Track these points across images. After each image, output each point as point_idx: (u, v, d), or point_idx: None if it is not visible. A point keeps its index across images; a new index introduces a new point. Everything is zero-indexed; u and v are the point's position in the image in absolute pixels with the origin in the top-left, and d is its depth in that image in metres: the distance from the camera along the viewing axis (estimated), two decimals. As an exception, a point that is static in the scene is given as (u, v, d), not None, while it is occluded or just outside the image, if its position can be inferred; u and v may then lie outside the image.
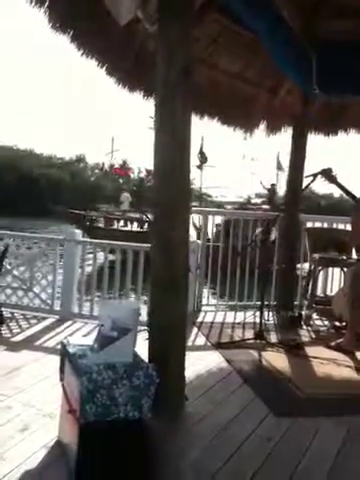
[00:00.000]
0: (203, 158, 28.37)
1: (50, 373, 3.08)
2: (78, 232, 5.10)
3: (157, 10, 3.04)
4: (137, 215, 21.18)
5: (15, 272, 5.05)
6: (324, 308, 4.98)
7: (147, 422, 2.24)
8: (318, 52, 4.71)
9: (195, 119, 5.19)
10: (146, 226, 18.62)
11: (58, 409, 2.54)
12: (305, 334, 4.60)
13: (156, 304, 2.99)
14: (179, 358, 2.93)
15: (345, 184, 4.48)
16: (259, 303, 4.50)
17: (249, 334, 4.36)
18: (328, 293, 5.54)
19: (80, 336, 4.12)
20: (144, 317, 3.62)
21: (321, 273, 5.41)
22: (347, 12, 4.58)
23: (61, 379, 2.52)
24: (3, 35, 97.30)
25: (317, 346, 4.18)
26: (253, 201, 21.99)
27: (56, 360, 2.60)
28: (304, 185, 4.95)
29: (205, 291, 5.61)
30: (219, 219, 7.34)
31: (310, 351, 4.03)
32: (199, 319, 4.99)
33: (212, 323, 4.86)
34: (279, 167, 26.07)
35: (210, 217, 5.89)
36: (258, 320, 4.34)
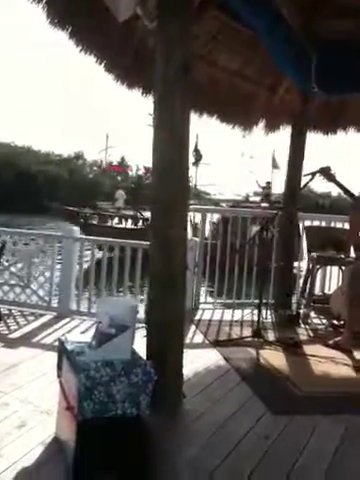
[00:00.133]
0: (198, 156, 28.48)
1: (47, 370, 3.08)
2: (76, 229, 5.08)
3: (156, 7, 3.04)
4: (131, 212, 21.23)
5: (12, 269, 5.04)
6: (322, 306, 4.98)
7: (145, 419, 2.24)
8: (317, 51, 4.70)
9: (194, 117, 5.20)
10: (140, 223, 18.69)
11: (55, 406, 2.53)
12: (303, 332, 4.60)
13: (154, 301, 2.99)
14: (177, 355, 2.93)
15: (343, 182, 4.49)
16: (257, 301, 4.50)
17: (247, 332, 4.36)
18: (326, 291, 5.55)
19: (78, 333, 4.11)
20: (142, 314, 3.64)
21: (319, 271, 5.42)
22: (347, 11, 4.57)
23: (59, 376, 2.52)
24: (1, 31, 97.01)
25: (315, 344, 4.18)
26: (251, 199, 21.98)
27: (53, 357, 2.60)
28: (303, 184, 4.95)
29: (203, 289, 5.60)
30: (215, 218, 7.32)
31: (308, 349, 4.03)
32: (197, 317, 4.98)
33: (210, 321, 4.85)
34: (274, 165, 26.14)
35: (207, 215, 5.87)
36: (256, 318, 4.34)
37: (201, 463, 2.33)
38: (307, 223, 5.69)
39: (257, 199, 20.92)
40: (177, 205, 2.91)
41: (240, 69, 5.39)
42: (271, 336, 4.34)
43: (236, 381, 3.34)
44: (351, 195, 4.41)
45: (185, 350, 3.03)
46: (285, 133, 5.86)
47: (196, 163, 28.83)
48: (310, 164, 5.16)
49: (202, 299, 5.47)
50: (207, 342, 4.19)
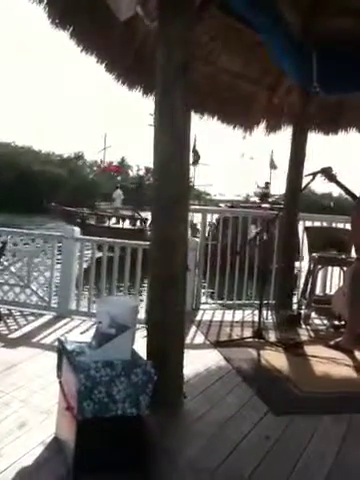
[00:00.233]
0: (196, 156, 28.54)
1: (47, 370, 3.07)
2: (77, 229, 5.07)
3: (157, 7, 3.03)
4: (129, 212, 21.25)
5: (12, 269, 5.03)
6: (323, 307, 4.97)
7: (145, 419, 2.24)
8: (318, 50, 4.69)
9: (195, 117, 5.19)
10: (138, 223, 18.71)
11: (55, 406, 2.52)
12: (304, 333, 4.59)
13: (154, 301, 2.99)
14: (177, 356, 2.92)
15: (345, 183, 4.48)
16: (258, 302, 4.49)
17: (248, 333, 4.34)
18: (327, 292, 5.54)
19: (78, 333, 4.10)
20: (142, 315, 3.64)
21: (320, 272, 5.41)
22: (347, 10, 4.56)
23: (58, 376, 2.51)
24: (2, 29, 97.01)
25: (316, 345, 4.17)
26: (252, 199, 21.99)
27: (53, 357, 2.59)
28: (304, 184, 4.94)
29: (204, 289, 5.59)
30: (213, 218, 7.30)
31: (309, 350, 4.02)
32: (198, 317, 4.97)
33: (211, 321, 4.85)
34: (272, 166, 26.22)
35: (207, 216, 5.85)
36: (257, 319, 4.33)
37: (202, 464, 2.32)
38: (308, 224, 5.68)
39: (257, 199, 20.94)
40: (178, 205, 2.90)
41: (240, 69, 5.38)
42: (272, 337, 4.33)
43: (237, 382, 3.33)
44: (352, 195, 4.41)
45: (186, 350, 3.02)
46: (286, 134, 5.87)
47: (194, 163, 28.91)
48: (311, 164, 5.17)
49: (203, 300, 5.46)
50: (208, 343, 4.18)
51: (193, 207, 6.73)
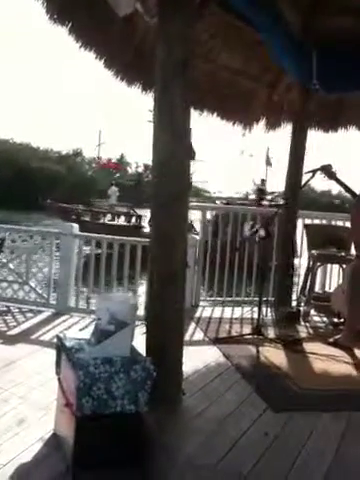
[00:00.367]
0: (192, 153, 28.46)
1: (46, 367, 3.06)
2: (75, 226, 5.06)
3: (157, 3, 3.02)
4: (124, 209, 21.25)
5: (11, 265, 5.02)
6: (322, 304, 4.97)
7: (144, 416, 2.23)
8: (318, 48, 4.68)
9: (194, 114, 5.17)
10: (133, 220, 18.72)
11: (54, 402, 2.52)
12: (303, 330, 4.59)
13: (154, 298, 2.98)
14: (177, 352, 2.92)
15: (345, 180, 4.48)
16: (257, 299, 4.49)
17: (247, 329, 4.35)
18: (327, 289, 5.54)
19: (77, 330, 4.11)
20: (141, 311, 3.64)
21: (320, 269, 5.41)
22: (347, 9, 4.55)
23: (57, 373, 2.51)
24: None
25: (315, 342, 4.17)
26: (251, 197, 21.98)
27: (52, 354, 2.58)
28: (304, 181, 4.94)
29: (203, 286, 5.59)
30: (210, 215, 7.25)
31: (308, 347, 4.02)
32: (197, 314, 4.97)
33: (210, 318, 4.84)
34: (268, 162, 26.37)
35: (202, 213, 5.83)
36: (256, 316, 4.33)
37: (201, 460, 2.32)
38: (308, 221, 5.67)
39: (254, 196, 20.97)
40: (177, 202, 2.89)
41: (240, 66, 5.36)
42: (271, 333, 4.33)
43: (236, 378, 3.33)
44: (352, 193, 4.40)
45: (185, 347, 3.02)
46: (285, 131, 5.86)
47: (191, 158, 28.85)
48: (311, 161, 5.16)
49: (202, 297, 5.46)
50: (207, 339, 4.18)
51: (192, 204, 6.72)
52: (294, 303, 5.26)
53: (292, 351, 3.92)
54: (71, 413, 2.18)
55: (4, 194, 30.36)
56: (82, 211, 19.68)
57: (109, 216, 20.01)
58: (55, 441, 2.39)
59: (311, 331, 4.61)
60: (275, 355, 3.80)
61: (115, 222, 19.29)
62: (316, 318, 5.01)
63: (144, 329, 2.96)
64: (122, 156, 50.24)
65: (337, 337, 4.15)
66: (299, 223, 5.47)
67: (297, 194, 5.33)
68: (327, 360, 3.73)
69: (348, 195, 4.53)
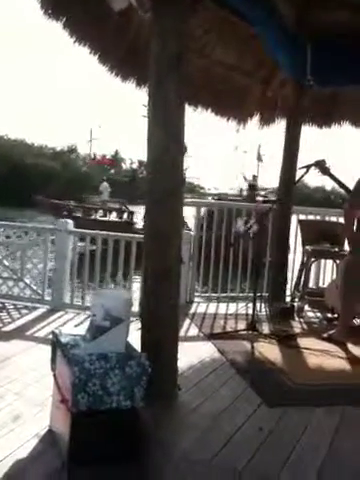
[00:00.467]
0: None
1: (42, 363, 3.06)
2: (70, 222, 5.05)
3: (151, -2, 3.01)
4: (117, 205, 21.24)
5: (6, 262, 5.01)
6: (316, 300, 4.99)
7: (139, 412, 2.24)
8: (313, 43, 4.68)
9: (189, 109, 5.17)
10: (125, 216, 18.70)
11: (49, 399, 2.52)
12: (297, 325, 4.61)
13: (149, 294, 2.98)
14: (172, 348, 2.92)
15: (338, 176, 4.49)
16: (251, 294, 4.50)
17: (242, 325, 4.36)
18: (320, 285, 5.56)
19: (72, 326, 4.10)
20: (136, 307, 3.64)
21: (314, 265, 5.43)
22: (342, 3, 4.55)
23: (52, 369, 2.51)
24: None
25: (309, 337, 4.19)
26: (245, 193, 21.99)
27: (47, 350, 2.58)
28: (298, 177, 4.94)
29: (198, 282, 5.59)
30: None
31: (302, 342, 4.03)
32: (192, 310, 4.98)
33: (205, 314, 4.85)
34: (259, 158, 26.59)
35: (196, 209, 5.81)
36: (250, 311, 4.35)
37: (196, 455, 2.33)
38: (302, 217, 5.68)
39: (244, 193, 21.03)
40: (172, 198, 2.89)
41: (235, 61, 5.36)
42: (266, 329, 4.34)
43: (231, 374, 3.34)
44: (346, 189, 4.42)
45: (180, 343, 3.03)
46: (279, 127, 5.86)
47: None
48: (305, 157, 5.17)
49: (197, 293, 5.46)
50: (202, 335, 4.19)
51: (186, 200, 6.71)
52: (288, 299, 5.28)
53: (286, 346, 3.93)
54: (66, 409, 2.18)
55: (-2, 190, 30.26)
56: (74, 207, 19.65)
57: (101, 212, 19.99)
58: (50, 437, 2.39)
59: (305, 326, 4.63)
60: (269, 350, 3.81)
61: (107, 218, 19.26)
62: (310, 313, 5.03)
63: (139, 325, 2.96)
64: (117, 152, 50.18)
65: (331, 332, 4.17)
66: (293, 219, 5.48)
67: (291, 190, 5.34)
68: (321, 355, 3.75)
69: (342, 190, 4.55)
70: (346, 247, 4.65)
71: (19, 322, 4.32)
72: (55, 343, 2.46)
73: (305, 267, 5.16)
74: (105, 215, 19.68)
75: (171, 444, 2.42)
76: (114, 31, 4.23)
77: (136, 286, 5.02)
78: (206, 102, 5.53)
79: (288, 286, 5.40)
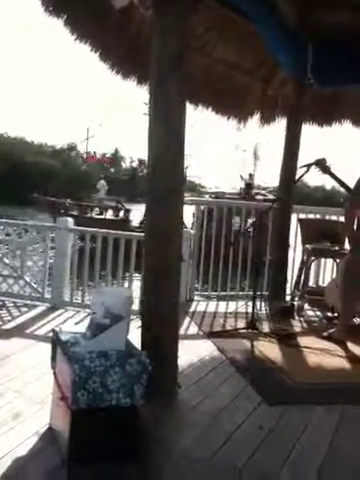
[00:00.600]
0: None
1: (42, 361, 3.06)
2: (70, 220, 5.05)
3: (152, -5, 3.00)
4: (113, 203, 21.24)
5: (6, 260, 5.01)
6: (316, 299, 4.99)
7: (139, 410, 2.24)
8: (314, 42, 4.68)
9: (190, 108, 5.16)
10: (121, 214, 18.70)
11: (49, 396, 2.52)
12: (297, 324, 4.61)
13: (149, 292, 2.98)
14: (172, 346, 2.92)
15: (339, 175, 4.49)
16: (251, 293, 4.50)
17: (241, 324, 4.36)
18: (320, 284, 5.56)
19: (72, 324, 4.10)
20: (137, 305, 3.63)
21: (314, 263, 5.42)
22: (343, 3, 4.55)
23: (52, 367, 2.50)
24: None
25: (309, 336, 4.18)
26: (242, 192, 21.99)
27: (47, 348, 2.58)
28: (298, 176, 4.94)
29: (198, 280, 5.59)
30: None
31: (302, 341, 4.03)
32: (191, 309, 4.98)
33: (204, 313, 4.85)
34: (256, 157, 26.72)
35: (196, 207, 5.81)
36: (250, 310, 4.34)
37: (196, 453, 2.33)
38: (302, 216, 5.68)
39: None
40: (172, 197, 2.89)
41: (235, 60, 5.35)
42: (265, 328, 4.34)
43: (230, 372, 3.34)
44: (346, 187, 4.41)
45: (180, 341, 3.03)
46: (280, 125, 5.85)
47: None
48: (305, 156, 5.17)
49: (197, 291, 5.46)
50: (201, 333, 4.19)
51: (186, 199, 6.71)
52: (288, 297, 5.28)
53: (286, 345, 3.93)
54: (66, 407, 2.18)
55: (-2, 188, 30.22)
56: (70, 205, 19.63)
57: (97, 210, 19.98)
58: (50, 435, 2.39)
59: (305, 325, 4.63)
60: (269, 349, 3.81)
61: (103, 216, 19.24)
62: (310, 312, 5.03)
63: (139, 323, 2.96)
64: (117, 150, 50.15)
65: (331, 331, 4.17)
66: (293, 217, 5.48)
67: (291, 188, 5.33)
68: (321, 354, 3.75)
69: (342, 189, 4.55)
70: (346, 246, 4.64)
71: (19, 320, 4.32)
72: (55, 341, 2.46)
73: (305, 266, 5.16)
74: (101, 213, 19.65)
75: (171, 442, 2.42)
76: (115, 29, 4.23)
77: (136, 284, 5.01)
78: (207, 100, 5.53)
79: (288, 285, 5.40)
